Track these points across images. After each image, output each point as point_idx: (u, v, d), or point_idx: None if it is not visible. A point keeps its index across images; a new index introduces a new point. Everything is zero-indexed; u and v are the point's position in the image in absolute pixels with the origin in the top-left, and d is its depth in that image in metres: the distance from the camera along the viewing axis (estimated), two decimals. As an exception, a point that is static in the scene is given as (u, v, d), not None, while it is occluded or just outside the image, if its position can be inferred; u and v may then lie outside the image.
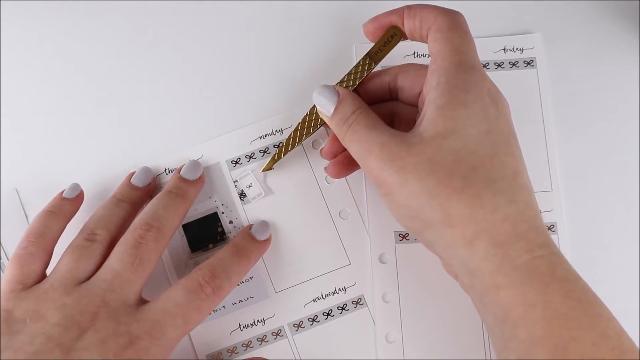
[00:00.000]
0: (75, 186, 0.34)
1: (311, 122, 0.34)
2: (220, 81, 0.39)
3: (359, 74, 0.33)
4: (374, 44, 0.33)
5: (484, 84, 0.28)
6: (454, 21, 0.29)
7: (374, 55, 0.33)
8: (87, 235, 0.31)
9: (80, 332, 0.27)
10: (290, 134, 0.35)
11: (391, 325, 0.35)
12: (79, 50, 0.39)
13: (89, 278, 0.30)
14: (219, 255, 0.32)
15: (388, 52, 0.33)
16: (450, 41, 0.28)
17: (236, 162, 0.37)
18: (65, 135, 0.38)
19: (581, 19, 0.39)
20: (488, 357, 0.34)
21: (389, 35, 0.32)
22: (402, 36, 0.32)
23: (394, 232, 0.36)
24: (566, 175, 0.37)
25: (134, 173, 0.35)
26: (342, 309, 0.35)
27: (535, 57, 0.39)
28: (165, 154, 0.37)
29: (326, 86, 0.31)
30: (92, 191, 0.36)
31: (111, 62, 0.39)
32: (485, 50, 0.38)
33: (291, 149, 0.35)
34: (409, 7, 0.31)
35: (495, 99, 0.28)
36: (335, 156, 0.34)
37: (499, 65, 0.38)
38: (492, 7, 0.40)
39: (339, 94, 0.31)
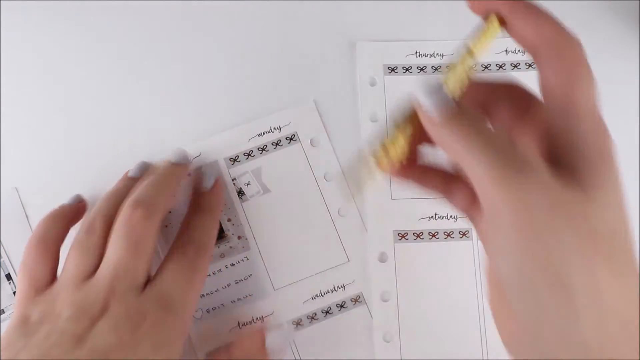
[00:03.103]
0: (77, 197, 0.35)
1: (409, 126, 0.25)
2: (219, 79, 0.39)
3: (464, 74, 0.25)
4: (465, 39, 0.25)
5: (608, 142, 0.23)
6: (571, 52, 0.23)
7: (472, 51, 0.25)
8: (87, 228, 0.31)
9: (92, 322, 0.28)
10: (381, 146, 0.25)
11: (389, 325, 0.35)
12: (78, 50, 0.39)
13: (95, 271, 0.30)
14: (186, 220, 0.33)
15: (486, 46, 0.25)
16: (566, 84, 0.22)
17: (234, 160, 0.37)
18: (64, 135, 0.38)
19: (581, 20, 0.39)
20: (486, 357, 0.34)
21: (490, 24, 0.25)
22: (502, 28, 0.25)
23: (393, 231, 0.36)
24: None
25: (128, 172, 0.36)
26: (341, 306, 0.35)
27: (536, 59, 0.38)
28: (164, 152, 0.37)
29: (438, 85, 0.24)
30: (92, 189, 0.36)
31: (110, 62, 0.39)
32: (487, 51, 0.38)
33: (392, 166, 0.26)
34: (527, 4, 0.25)
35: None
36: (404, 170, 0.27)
37: (500, 66, 0.38)
38: (494, 8, 0.39)
39: (453, 100, 0.24)
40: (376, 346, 0.34)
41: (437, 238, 0.36)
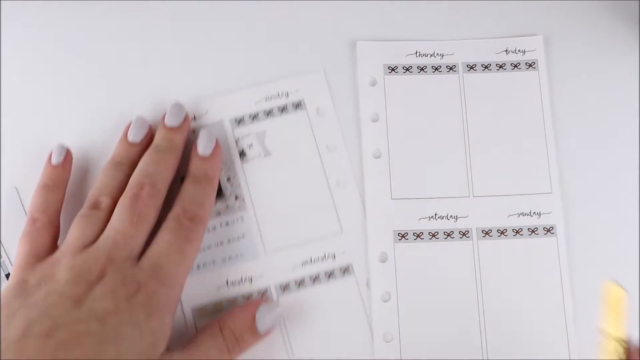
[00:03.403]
0: (61, 149, 0.35)
1: None
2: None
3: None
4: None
5: None
6: None
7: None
8: (91, 204, 0.33)
9: (89, 287, 0.29)
10: None
11: (389, 325, 0.34)
12: (78, 41, 0.39)
13: (96, 240, 0.31)
14: (183, 190, 0.34)
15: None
16: None
17: (240, 121, 0.37)
18: (65, 134, 0.37)
19: (582, 21, 0.39)
20: (486, 357, 0.34)
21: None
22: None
23: (393, 231, 0.36)
24: (566, 177, 0.37)
25: (130, 126, 0.36)
26: (330, 275, 0.35)
27: (537, 60, 0.38)
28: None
29: None
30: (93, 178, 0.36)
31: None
32: (487, 51, 0.38)
33: None
34: None
35: None
36: None
37: (500, 66, 0.38)
38: (495, 8, 0.40)
39: None
40: (376, 346, 0.34)
41: (437, 238, 0.36)
